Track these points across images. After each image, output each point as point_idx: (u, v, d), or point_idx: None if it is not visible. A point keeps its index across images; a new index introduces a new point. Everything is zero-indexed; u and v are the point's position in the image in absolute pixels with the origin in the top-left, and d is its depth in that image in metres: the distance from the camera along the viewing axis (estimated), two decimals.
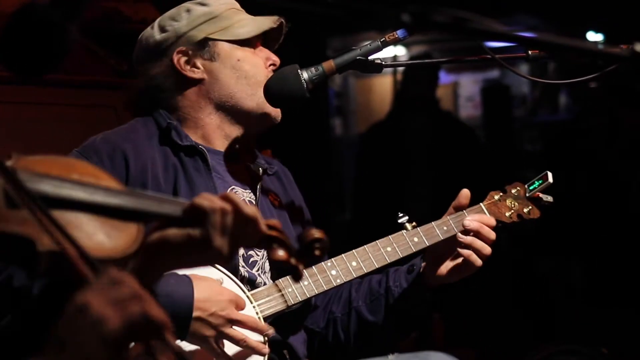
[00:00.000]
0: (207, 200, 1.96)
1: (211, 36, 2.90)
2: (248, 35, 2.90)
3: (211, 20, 2.91)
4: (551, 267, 6.32)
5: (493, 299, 6.52)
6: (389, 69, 8.70)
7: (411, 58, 8.89)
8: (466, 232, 2.89)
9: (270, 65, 2.94)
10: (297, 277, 2.08)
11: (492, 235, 2.89)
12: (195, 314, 2.53)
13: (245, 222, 2.01)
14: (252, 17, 2.95)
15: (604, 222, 6.27)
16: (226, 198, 2.00)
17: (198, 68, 2.91)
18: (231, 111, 2.92)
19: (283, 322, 2.82)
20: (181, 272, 2.54)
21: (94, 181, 1.85)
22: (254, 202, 2.92)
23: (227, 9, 2.94)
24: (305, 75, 2.86)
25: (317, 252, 2.07)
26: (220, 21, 2.91)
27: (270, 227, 2.07)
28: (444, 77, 9.36)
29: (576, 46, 1.73)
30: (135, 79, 3.02)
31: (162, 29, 2.95)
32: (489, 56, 2.81)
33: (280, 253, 2.04)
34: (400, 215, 2.98)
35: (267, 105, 2.89)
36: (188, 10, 2.94)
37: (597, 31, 7.72)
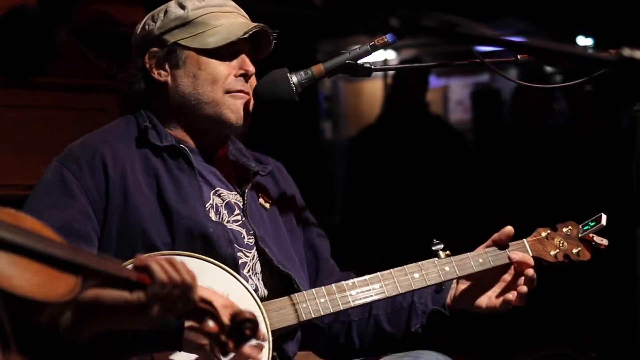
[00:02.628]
0: (157, 267, 1.99)
1: (180, 42, 2.87)
2: (215, 45, 2.85)
3: (183, 26, 2.88)
4: (542, 270, 6.32)
5: None
6: (379, 73, 8.71)
7: (401, 62, 8.90)
8: (506, 267, 2.92)
9: (241, 75, 2.89)
10: (225, 353, 2.12)
11: (533, 276, 2.92)
12: (187, 323, 2.48)
13: (183, 295, 2.06)
14: (231, 23, 2.89)
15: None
16: (170, 265, 2.03)
17: (165, 72, 2.89)
18: (191, 117, 2.89)
19: None
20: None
21: (38, 233, 1.96)
22: (240, 205, 2.92)
23: (204, 13, 2.89)
24: (294, 78, 2.86)
25: (247, 332, 2.15)
26: (193, 27, 2.88)
27: (203, 300, 2.12)
28: (434, 81, 9.36)
29: (564, 51, 1.73)
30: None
31: (143, 28, 2.95)
32: (478, 60, 2.81)
33: (211, 325, 2.10)
34: (436, 242, 2.94)
35: (226, 113, 2.86)
36: (165, 12, 2.92)
37: (587, 35, 7.74)
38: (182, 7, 2.90)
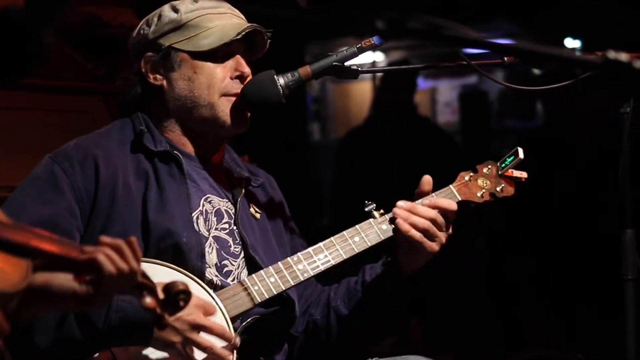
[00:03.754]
0: (104, 259, 2.03)
1: (175, 45, 2.88)
2: (209, 47, 2.85)
3: (177, 29, 2.88)
4: (528, 272, 6.34)
5: (471, 304, 6.53)
6: (368, 75, 8.71)
7: (389, 64, 8.90)
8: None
9: (237, 77, 2.89)
10: (161, 326, 2.14)
11: (449, 215, 2.90)
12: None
13: (129, 279, 2.08)
14: (224, 24, 2.89)
15: (580, 227, 6.29)
16: (118, 254, 2.05)
17: (160, 75, 2.90)
18: (188, 120, 2.90)
19: (260, 331, 2.81)
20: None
21: None
22: (232, 213, 2.92)
23: (197, 16, 2.88)
24: (281, 80, 2.86)
25: (181, 303, 2.17)
26: (186, 30, 2.87)
27: (143, 275, 2.13)
28: (422, 83, 9.36)
29: (550, 53, 1.74)
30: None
31: (138, 32, 2.96)
32: (465, 62, 2.82)
33: (148, 300, 2.11)
34: (368, 202, 2.97)
35: (222, 115, 2.86)
36: (159, 16, 2.92)
37: (575, 37, 7.75)
38: (176, 10, 2.90)
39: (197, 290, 2.66)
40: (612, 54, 1.67)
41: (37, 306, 2.03)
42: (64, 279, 2.02)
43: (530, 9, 7.47)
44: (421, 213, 2.88)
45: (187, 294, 2.16)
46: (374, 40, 2.87)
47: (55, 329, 2.54)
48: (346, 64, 2.91)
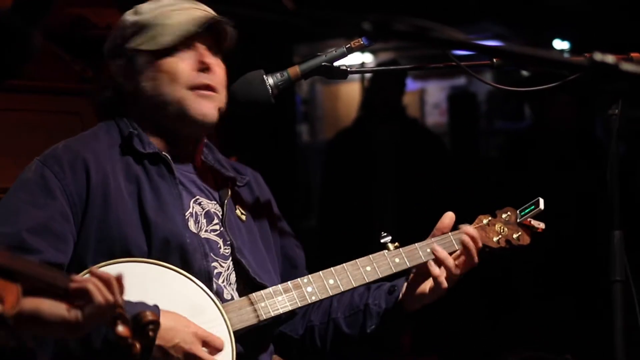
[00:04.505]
0: (94, 289, 2.11)
1: (138, 47, 2.85)
2: (170, 43, 2.81)
3: (139, 31, 2.85)
4: (517, 274, 6.34)
5: (459, 306, 6.53)
6: (356, 76, 8.73)
7: (378, 65, 8.91)
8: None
9: (201, 69, 2.84)
10: (131, 356, 2.17)
11: (475, 258, 2.90)
12: (158, 342, 2.48)
13: (114, 311, 2.16)
14: (186, 19, 2.83)
15: (569, 228, 6.30)
16: (106, 286, 2.14)
17: (130, 80, 2.87)
18: (161, 121, 2.87)
19: (252, 338, 2.81)
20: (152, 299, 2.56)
21: None
22: (219, 215, 2.91)
23: (157, 14, 2.85)
24: (270, 80, 2.85)
25: (150, 333, 2.21)
26: (147, 30, 2.84)
27: (121, 305, 2.19)
28: (411, 84, 9.37)
29: (538, 55, 1.74)
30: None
31: (109, 40, 2.94)
32: (454, 63, 2.82)
33: (121, 329, 2.15)
34: (384, 234, 2.95)
35: (189, 110, 2.82)
36: (123, 21, 2.90)
37: (563, 39, 7.78)
38: (136, 12, 2.88)
39: (206, 302, 2.67)
40: (598, 56, 1.67)
41: (30, 328, 2.10)
42: (53, 305, 2.10)
43: (518, 11, 7.49)
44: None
45: (155, 325, 2.21)
46: (363, 40, 2.87)
47: (54, 345, 2.53)
48: (335, 64, 2.91)
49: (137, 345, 2.17)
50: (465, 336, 6.68)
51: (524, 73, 7.24)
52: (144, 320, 2.19)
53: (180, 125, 2.86)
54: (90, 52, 3.91)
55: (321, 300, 2.94)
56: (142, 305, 2.50)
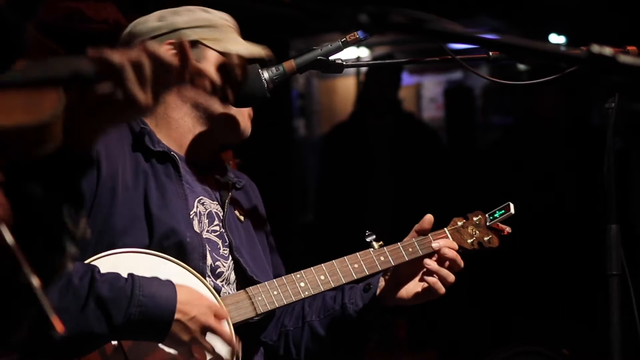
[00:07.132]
0: (117, 55, 1.87)
1: (203, 41, 2.85)
2: (237, 53, 2.78)
3: (209, 28, 2.87)
4: (513, 268, 6.35)
5: (454, 301, 6.54)
6: (352, 70, 8.73)
7: (374, 59, 8.90)
8: (431, 255, 2.95)
9: None
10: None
11: (460, 262, 2.95)
12: (176, 316, 2.52)
13: (164, 67, 1.93)
14: (245, 41, 2.91)
15: (564, 223, 6.31)
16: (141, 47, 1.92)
17: None
18: (205, 113, 2.89)
19: (243, 334, 2.81)
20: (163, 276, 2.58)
21: None
22: (221, 215, 2.92)
23: (225, 24, 2.91)
24: (266, 74, 2.85)
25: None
26: (217, 32, 2.87)
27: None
28: (407, 79, 9.38)
29: (535, 48, 1.73)
30: None
31: (160, 19, 2.90)
32: (450, 57, 2.82)
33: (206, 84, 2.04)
34: (368, 233, 2.99)
35: (240, 123, 2.90)
36: (191, 11, 2.91)
37: (559, 33, 7.77)
38: (207, 12, 2.92)
39: (205, 293, 2.68)
40: (596, 49, 1.66)
41: (87, 122, 1.91)
42: (97, 91, 1.86)
43: (514, 5, 7.49)
44: (453, 258, 2.95)
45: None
46: (359, 34, 2.87)
47: (74, 322, 2.50)
48: (331, 58, 2.91)
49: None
50: (463, 331, 6.69)
51: (521, 67, 7.25)
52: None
53: (220, 134, 2.93)
54: (86, 46, 3.89)
55: (294, 304, 2.98)
56: (157, 279, 2.54)
